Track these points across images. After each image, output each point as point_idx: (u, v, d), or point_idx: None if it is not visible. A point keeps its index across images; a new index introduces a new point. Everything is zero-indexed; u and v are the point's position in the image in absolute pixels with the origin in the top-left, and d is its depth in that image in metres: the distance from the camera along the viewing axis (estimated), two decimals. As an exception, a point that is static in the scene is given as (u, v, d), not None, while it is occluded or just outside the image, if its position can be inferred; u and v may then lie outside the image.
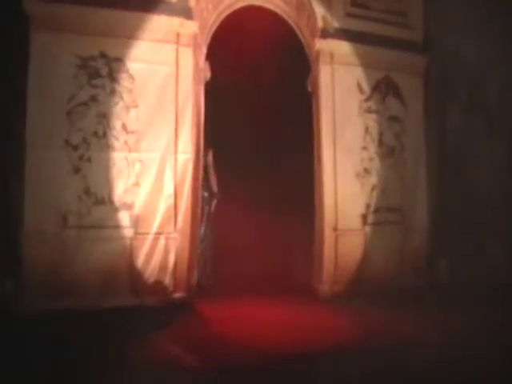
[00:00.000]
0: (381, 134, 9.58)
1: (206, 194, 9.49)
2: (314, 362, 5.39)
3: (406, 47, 9.72)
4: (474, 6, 9.96)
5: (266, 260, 9.85)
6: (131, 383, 4.80)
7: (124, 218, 7.67)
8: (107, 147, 7.66)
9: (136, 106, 7.89)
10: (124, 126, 7.78)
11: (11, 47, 7.48)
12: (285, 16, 9.41)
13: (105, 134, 7.66)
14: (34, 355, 5.28)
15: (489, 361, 5.29)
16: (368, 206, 9.40)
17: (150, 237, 7.76)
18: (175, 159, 8.04)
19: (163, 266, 7.77)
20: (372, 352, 5.72)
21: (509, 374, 4.94)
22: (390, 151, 9.65)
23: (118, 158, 7.71)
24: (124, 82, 7.85)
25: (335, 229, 9.05)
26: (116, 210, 7.64)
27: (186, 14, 8.22)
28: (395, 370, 5.07)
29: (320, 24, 9.26)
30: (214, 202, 9.74)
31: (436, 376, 4.91)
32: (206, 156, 9.46)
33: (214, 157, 9.73)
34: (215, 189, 9.80)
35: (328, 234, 9.03)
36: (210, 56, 8.86)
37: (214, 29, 8.88)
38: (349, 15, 9.45)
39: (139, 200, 7.78)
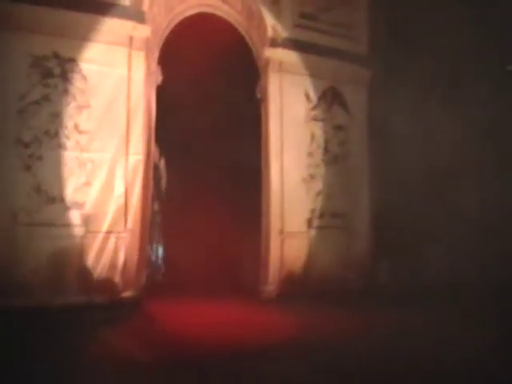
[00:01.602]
0: (326, 142, 9.93)
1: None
2: (254, 358, 5.57)
3: (352, 59, 10.14)
4: (418, 21, 10.39)
5: (215, 262, 9.96)
6: (81, 378, 4.84)
7: (75, 216, 7.69)
8: (59, 146, 7.69)
9: (88, 107, 7.95)
10: (76, 126, 7.82)
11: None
12: (236, 24, 9.65)
13: (56, 133, 7.68)
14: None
15: (416, 353, 5.66)
16: (313, 211, 9.71)
17: (101, 235, 7.81)
18: (126, 160, 8.13)
19: (113, 265, 7.83)
20: (310, 347, 5.97)
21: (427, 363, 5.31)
22: (334, 158, 10.00)
23: (70, 157, 7.74)
24: (76, 83, 7.90)
25: (281, 232, 9.31)
26: (67, 208, 7.65)
27: (139, 18, 8.37)
28: (332, 364, 5.34)
29: (270, 33, 9.56)
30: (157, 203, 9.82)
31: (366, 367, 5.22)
32: (159, 161, 9.60)
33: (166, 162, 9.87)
34: (163, 193, 9.92)
35: (274, 237, 9.28)
36: (162, 60, 8.98)
37: (166, 33, 9.03)
38: (297, 26, 9.78)
39: (90, 199, 7.83)
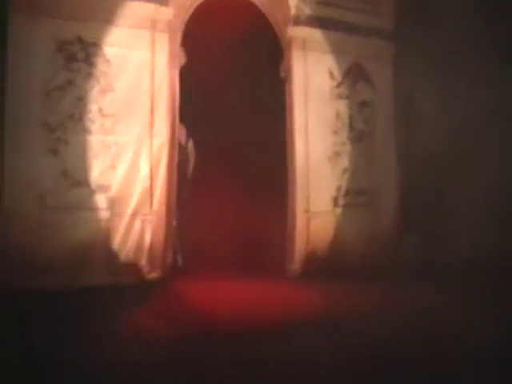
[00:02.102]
0: (351, 119, 9.88)
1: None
2: (278, 336, 5.62)
3: (376, 35, 10.04)
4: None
5: (241, 241, 10.03)
6: (107, 356, 4.90)
7: (100, 199, 7.82)
8: (84, 130, 7.79)
9: (112, 90, 8.02)
10: (100, 110, 7.90)
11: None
12: (258, 4, 9.55)
13: (81, 118, 7.78)
14: (10, 333, 5.34)
15: (447, 333, 5.64)
16: (339, 189, 9.71)
17: (126, 218, 7.93)
18: (151, 142, 8.22)
19: (139, 247, 7.96)
20: (335, 324, 6.04)
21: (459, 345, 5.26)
22: (360, 135, 9.97)
23: (95, 140, 7.84)
24: (100, 66, 7.97)
25: (307, 211, 9.34)
26: (93, 191, 7.78)
27: (162, 0, 8.39)
28: (357, 340, 5.38)
29: (293, 11, 9.48)
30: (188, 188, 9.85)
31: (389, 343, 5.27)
32: (186, 142, 9.67)
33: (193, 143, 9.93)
34: (190, 174, 9.97)
35: (300, 215, 9.32)
36: (185, 42, 8.99)
37: (188, 15, 9.00)
38: (320, 3, 9.68)
39: (115, 182, 7.94)
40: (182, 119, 9.14)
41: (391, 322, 6.09)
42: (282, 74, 9.75)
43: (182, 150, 9.56)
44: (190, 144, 9.97)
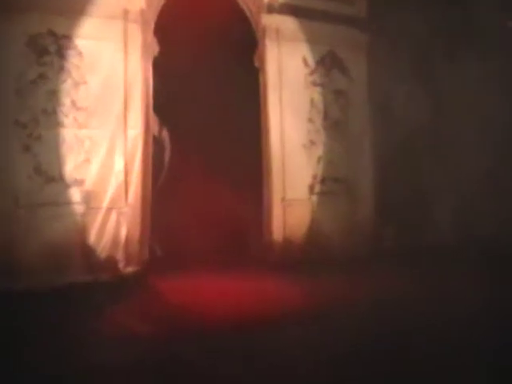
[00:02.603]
0: (326, 107, 9.89)
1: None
2: (258, 327, 5.74)
3: (350, 23, 10.04)
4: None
5: (219, 232, 10.03)
6: (90, 353, 4.93)
7: (75, 194, 7.77)
8: (57, 124, 7.73)
9: (85, 83, 7.96)
10: (73, 103, 7.84)
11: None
12: (232, -9, 9.52)
13: (54, 111, 7.71)
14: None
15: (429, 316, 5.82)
16: (314, 177, 9.74)
17: (102, 212, 7.90)
18: (125, 135, 8.17)
19: (115, 241, 7.94)
20: (315, 314, 6.16)
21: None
22: (335, 123, 9.98)
23: (68, 134, 7.78)
24: (72, 59, 7.89)
25: (283, 199, 9.38)
26: (67, 186, 7.73)
27: (134, -11, 8.29)
28: (339, 329, 5.52)
29: (266, 0, 9.44)
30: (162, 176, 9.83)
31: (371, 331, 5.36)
32: (160, 132, 9.63)
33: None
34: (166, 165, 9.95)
35: (276, 204, 9.35)
36: (158, 31, 8.91)
37: (161, 4, 8.92)
38: (294, -10, 9.62)
39: (90, 176, 7.90)
40: (156, 109, 9.09)
41: (370, 309, 6.21)
42: (256, 64, 9.72)
43: (157, 140, 9.53)
44: (165, 134, 9.93)
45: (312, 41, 9.70)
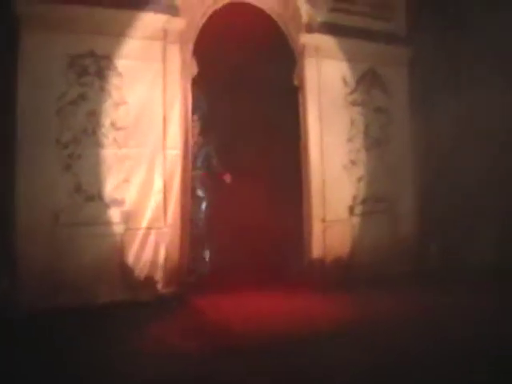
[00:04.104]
0: (366, 126, 9.78)
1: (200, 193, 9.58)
2: (304, 347, 5.61)
3: (390, 40, 9.92)
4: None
5: (259, 252, 9.95)
6: (135, 373, 4.90)
7: (115, 214, 7.75)
8: (97, 144, 7.73)
9: (125, 103, 7.96)
10: (113, 123, 7.84)
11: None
12: (270, 12, 9.41)
13: (94, 132, 7.71)
14: (32, 355, 5.31)
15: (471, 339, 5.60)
16: (355, 197, 9.62)
17: (141, 232, 7.87)
18: (164, 155, 8.14)
19: (154, 261, 7.89)
20: (363, 332, 6.06)
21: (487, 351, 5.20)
22: (376, 142, 9.85)
23: (108, 154, 7.78)
24: (112, 80, 7.90)
25: (323, 220, 9.24)
26: (107, 206, 7.72)
27: (173, 11, 8.32)
28: (389, 346, 5.44)
29: (305, 19, 9.40)
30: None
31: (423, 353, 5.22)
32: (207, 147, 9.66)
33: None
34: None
35: (316, 226, 9.22)
36: (197, 52, 8.93)
37: (200, 25, 8.93)
38: (333, 9, 9.57)
39: (129, 196, 7.88)
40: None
41: (414, 328, 6.14)
42: (296, 82, 9.65)
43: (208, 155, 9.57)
44: (212, 148, 9.89)
45: (352, 59, 9.61)
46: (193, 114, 8.76)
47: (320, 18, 9.43)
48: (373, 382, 4.60)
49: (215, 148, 9.79)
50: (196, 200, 9.25)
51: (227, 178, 9.57)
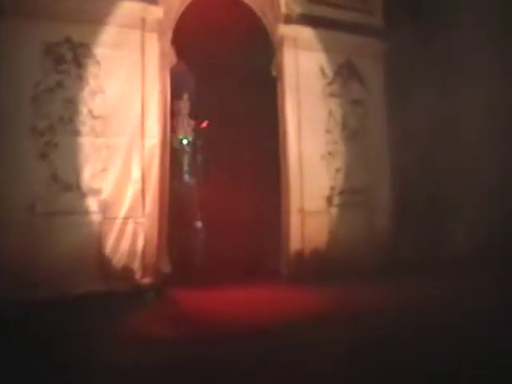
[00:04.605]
0: (344, 118, 9.83)
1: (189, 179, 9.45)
2: (278, 335, 5.69)
3: (367, 32, 10.00)
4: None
5: (235, 242, 9.93)
6: (111, 359, 4.93)
7: (92, 203, 7.68)
8: (74, 133, 7.64)
9: (102, 92, 7.87)
10: (90, 112, 7.76)
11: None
12: (249, 2, 9.44)
13: (71, 120, 7.62)
14: (9, 347, 5.20)
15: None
16: (333, 188, 9.65)
17: (119, 222, 7.79)
18: (142, 144, 8.08)
19: (132, 251, 7.82)
20: (337, 321, 6.21)
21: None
22: (353, 134, 9.91)
23: (85, 143, 7.69)
24: (90, 68, 7.81)
25: (301, 210, 9.25)
26: (84, 195, 7.64)
27: None
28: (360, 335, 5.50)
29: (283, 9, 9.41)
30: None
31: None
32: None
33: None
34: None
35: (294, 216, 9.23)
36: (176, 41, 8.86)
37: (179, 14, 8.87)
38: (311, 1, 9.62)
39: (107, 185, 7.80)
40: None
41: (391, 319, 6.18)
42: (274, 73, 9.63)
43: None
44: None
45: (329, 50, 9.65)
46: (182, 93, 8.69)
47: (298, 9, 9.45)
48: (350, 362, 4.67)
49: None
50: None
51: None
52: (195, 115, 9.37)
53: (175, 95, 8.77)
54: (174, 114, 8.81)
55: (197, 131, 9.33)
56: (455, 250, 9.67)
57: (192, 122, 9.16)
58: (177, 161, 8.80)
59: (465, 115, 10.34)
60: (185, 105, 8.92)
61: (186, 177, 9.01)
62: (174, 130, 8.72)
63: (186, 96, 8.90)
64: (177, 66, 8.84)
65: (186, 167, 8.97)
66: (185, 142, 9.04)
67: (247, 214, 9.92)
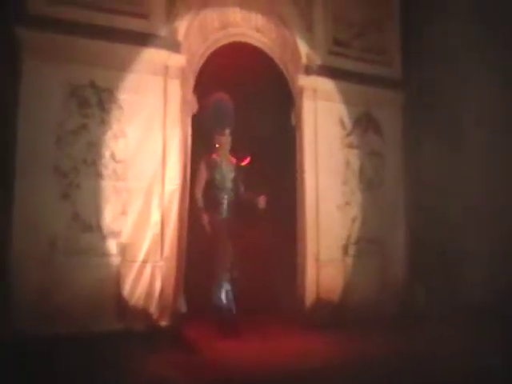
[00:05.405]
0: (361, 169, 9.89)
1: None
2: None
3: (386, 84, 10.12)
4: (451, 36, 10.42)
5: (250, 289, 9.86)
6: None
7: (111, 245, 7.72)
8: (96, 175, 7.73)
9: (124, 136, 8.00)
10: (113, 155, 7.87)
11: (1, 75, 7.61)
12: (270, 53, 9.67)
13: (94, 162, 7.73)
14: (26, 381, 5.25)
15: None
16: (349, 238, 9.64)
17: (137, 264, 7.82)
18: (162, 189, 8.15)
19: (149, 294, 7.81)
20: (352, 371, 6.05)
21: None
22: (369, 184, 9.95)
23: (107, 186, 7.78)
24: (113, 112, 7.96)
25: (317, 259, 9.24)
26: (104, 237, 7.68)
27: (175, 47, 8.43)
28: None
29: (304, 61, 9.58)
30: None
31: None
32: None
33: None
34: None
35: (310, 265, 9.22)
36: (198, 89, 9.03)
37: (201, 62, 9.09)
38: (331, 53, 9.79)
39: (126, 228, 7.85)
40: None
41: (404, 368, 6.06)
42: (293, 122, 9.78)
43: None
44: None
45: (348, 101, 9.77)
46: (224, 128, 8.74)
47: (319, 60, 9.62)
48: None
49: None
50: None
51: (261, 201, 8.83)
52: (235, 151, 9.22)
53: (217, 130, 8.79)
54: (215, 149, 8.81)
55: (238, 168, 9.10)
56: (472, 298, 9.55)
57: (233, 159, 9.04)
58: (216, 198, 8.70)
59: (482, 165, 10.33)
60: (227, 140, 8.85)
61: (225, 214, 8.75)
62: (215, 166, 8.69)
63: (227, 131, 8.81)
64: (220, 99, 8.86)
65: (225, 205, 8.79)
66: (227, 177, 8.88)
67: (261, 263, 9.88)
